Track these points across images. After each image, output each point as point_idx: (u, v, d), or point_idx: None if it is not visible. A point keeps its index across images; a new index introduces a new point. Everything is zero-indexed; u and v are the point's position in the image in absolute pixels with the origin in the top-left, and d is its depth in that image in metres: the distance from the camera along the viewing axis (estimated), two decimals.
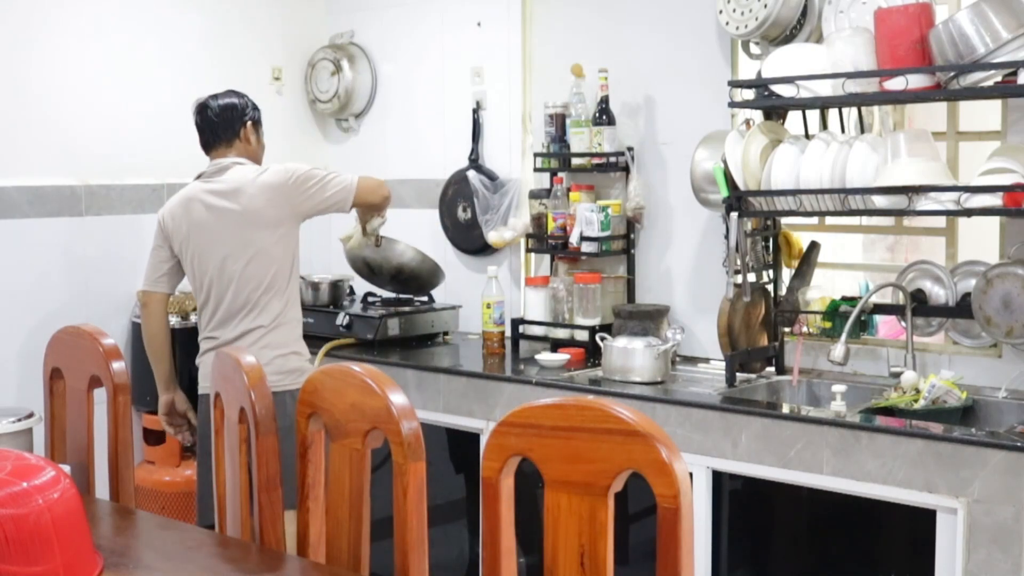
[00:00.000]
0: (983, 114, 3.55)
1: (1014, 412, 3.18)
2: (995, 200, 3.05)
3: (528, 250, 4.30)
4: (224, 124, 3.61)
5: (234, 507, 2.47)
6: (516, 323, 4.15)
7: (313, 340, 4.26)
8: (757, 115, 3.56)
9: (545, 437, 1.84)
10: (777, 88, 3.36)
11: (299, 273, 3.68)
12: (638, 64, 4.03)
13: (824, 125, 3.56)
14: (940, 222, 3.51)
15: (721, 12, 3.55)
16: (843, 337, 3.32)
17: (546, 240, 4.11)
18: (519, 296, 4.26)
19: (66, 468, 2.26)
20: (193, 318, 4.44)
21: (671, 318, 3.91)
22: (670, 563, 1.69)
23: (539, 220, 4.13)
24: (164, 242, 3.60)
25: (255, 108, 3.69)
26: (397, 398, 2.11)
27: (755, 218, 3.57)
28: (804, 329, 3.62)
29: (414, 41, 4.74)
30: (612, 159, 3.98)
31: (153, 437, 4.36)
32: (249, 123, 3.65)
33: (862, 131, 3.48)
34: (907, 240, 4.72)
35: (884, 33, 3.19)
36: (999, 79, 3.04)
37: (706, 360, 3.84)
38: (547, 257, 4.26)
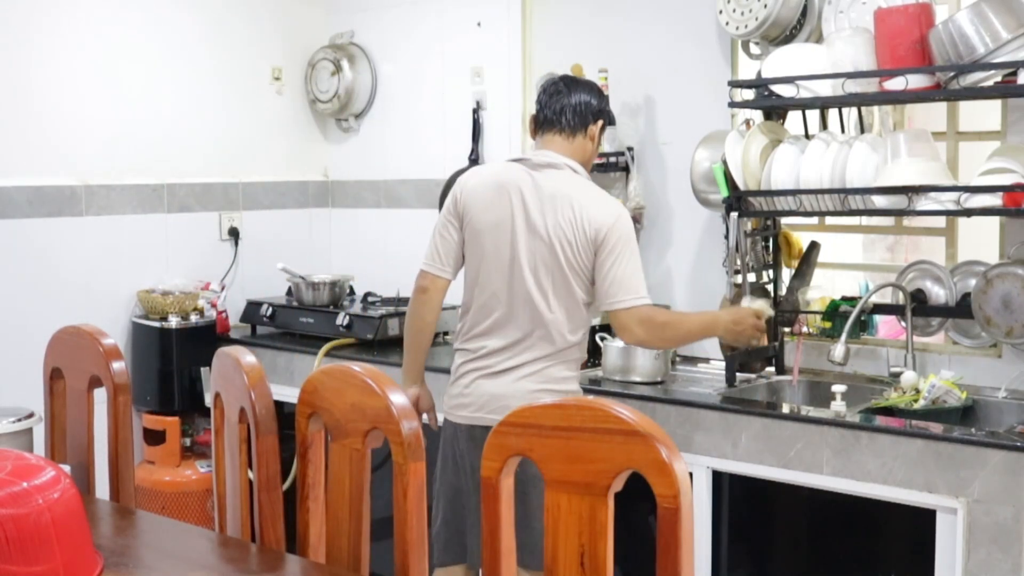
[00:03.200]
0: (983, 114, 3.55)
1: (1014, 412, 3.18)
2: (995, 200, 3.05)
3: None
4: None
5: (234, 507, 2.47)
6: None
7: (313, 340, 4.27)
8: (757, 115, 3.56)
9: (545, 437, 1.84)
10: (777, 88, 3.36)
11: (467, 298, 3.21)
12: (638, 64, 4.03)
13: (824, 125, 3.56)
14: (940, 222, 3.51)
15: (721, 12, 3.55)
16: (843, 337, 3.32)
17: None
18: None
19: (66, 468, 2.26)
20: (193, 318, 4.45)
21: None
22: (670, 563, 1.69)
23: None
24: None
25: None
26: (397, 398, 2.11)
27: (755, 218, 3.57)
28: (804, 329, 3.62)
29: (414, 41, 4.74)
30: (612, 159, 3.97)
31: (153, 437, 4.36)
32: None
33: (862, 131, 3.48)
34: (907, 240, 4.72)
35: (884, 33, 3.19)
36: (999, 79, 3.04)
37: (706, 360, 3.84)
38: None
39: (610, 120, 3.26)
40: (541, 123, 3.17)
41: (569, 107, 3.13)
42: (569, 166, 3.10)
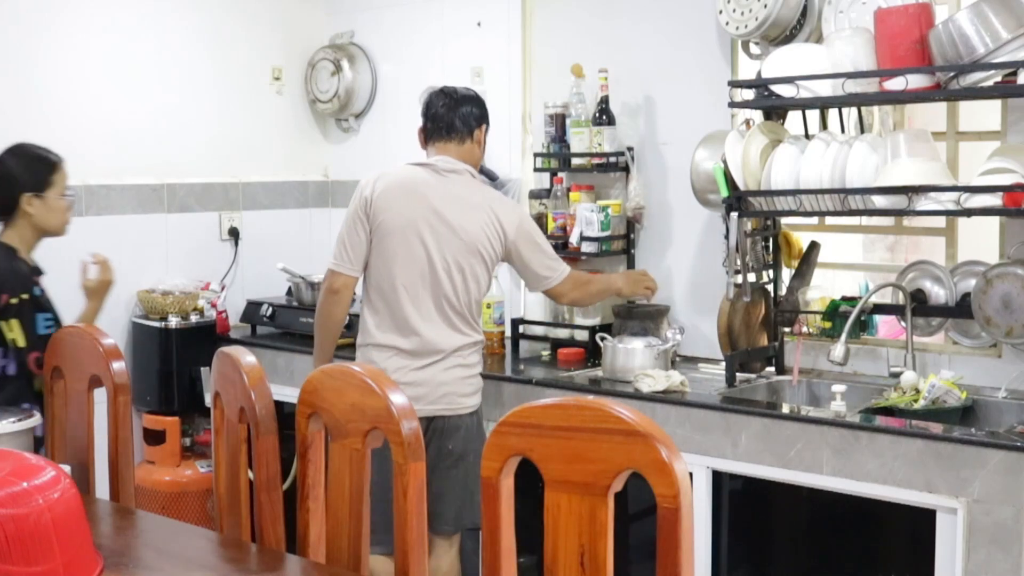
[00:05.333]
0: (983, 114, 3.55)
1: (1014, 412, 3.18)
2: (995, 200, 3.05)
3: None
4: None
5: (234, 507, 2.47)
6: (516, 323, 4.16)
7: (313, 340, 4.26)
8: (757, 115, 3.56)
9: (545, 437, 1.84)
10: (777, 88, 3.36)
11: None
12: (638, 64, 4.03)
13: (824, 125, 3.56)
14: (940, 222, 3.51)
15: (721, 12, 3.55)
16: (843, 337, 3.32)
17: None
18: (519, 296, 4.26)
19: (66, 468, 2.26)
20: (193, 318, 4.45)
21: (671, 318, 3.91)
22: (670, 563, 1.69)
23: (539, 220, 4.13)
24: None
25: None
26: (397, 398, 2.11)
27: (755, 218, 3.57)
28: (804, 329, 3.62)
29: (414, 41, 4.74)
30: (612, 159, 3.98)
31: (153, 437, 4.36)
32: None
33: (862, 131, 3.48)
34: (907, 240, 4.72)
35: (884, 33, 3.19)
36: (999, 79, 3.04)
37: (706, 360, 3.84)
38: None
39: (489, 125, 3.55)
40: (432, 133, 3.47)
41: (458, 116, 3.43)
42: (468, 171, 3.43)
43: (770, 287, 3.72)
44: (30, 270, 3.32)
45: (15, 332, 3.21)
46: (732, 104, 3.56)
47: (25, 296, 3.23)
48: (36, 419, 2.99)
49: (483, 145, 3.51)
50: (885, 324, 3.81)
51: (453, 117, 3.43)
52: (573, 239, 3.98)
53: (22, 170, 3.32)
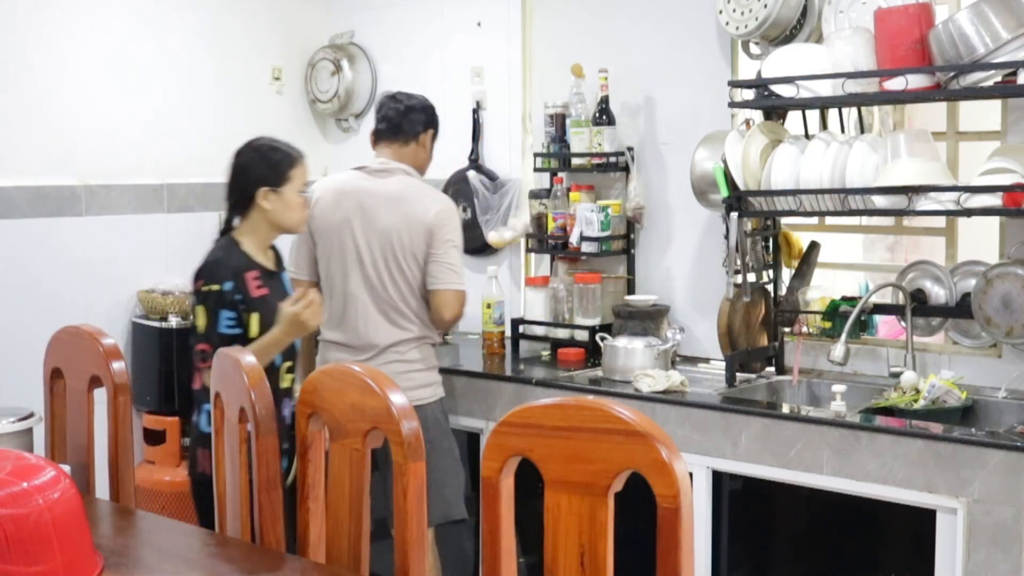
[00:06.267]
0: (983, 114, 3.55)
1: (1014, 412, 3.18)
2: (995, 200, 3.05)
3: (528, 250, 4.30)
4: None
5: (234, 507, 2.47)
6: (516, 323, 4.16)
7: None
8: (757, 115, 3.56)
9: (545, 437, 1.84)
10: (777, 88, 3.36)
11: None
12: (638, 64, 4.03)
13: (824, 125, 3.56)
14: (940, 222, 3.51)
15: (721, 12, 3.55)
16: (843, 337, 3.32)
17: (546, 240, 4.11)
18: (519, 296, 4.26)
19: (66, 468, 2.26)
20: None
21: (671, 318, 3.91)
22: (670, 563, 1.69)
23: (539, 220, 4.13)
24: None
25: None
26: (397, 398, 2.11)
27: (755, 218, 3.57)
28: (804, 329, 3.62)
29: (414, 41, 4.74)
30: (612, 159, 3.98)
31: (153, 437, 4.36)
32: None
33: (862, 131, 3.48)
34: (907, 240, 4.72)
35: (884, 33, 3.19)
36: (999, 79, 3.04)
37: (706, 360, 3.84)
38: (547, 257, 4.26)
39: (438, 129, 3.63)
40: (380, 135, 3.58)
41: (405, 120, 3.54)
42: (402, 170, 3.52)
43: (770, 287, 3.72)
44: (244, 265, 3.17)
45: (199, 320, 3.12)
46: (732, 104, 3.56)
47: (215, 287, 3.10)
48: (36, 419, 2.97)
49: (428, 148, 3.61)
50: (885, 324, 3.81)
51: (400, 120, 3.54)
52: (573, 239, 3.98)
53: (260, 163, 3.19)
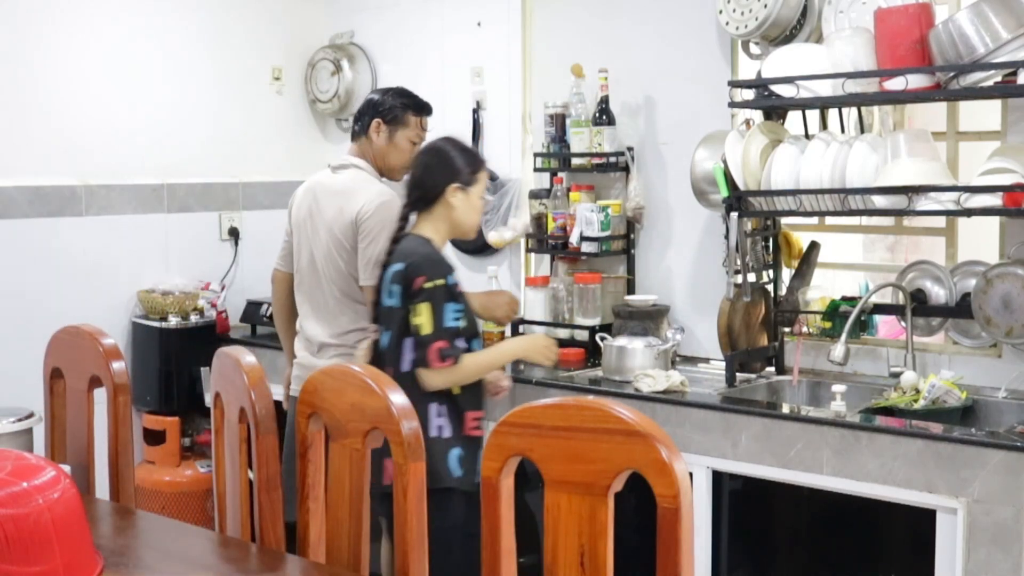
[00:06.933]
0: (983, 114, 3.55)
1: (1014, 412, 3.18)
2: (995, 200, 3.05)
3: (528, 250, 4.30)
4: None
5: (234, 507, 2.47)
6: (516, 323, 4.15)
7: None
8: (757, 115, 3.56)
9: (545, 437, 1.84)
10: (777, 88, 3.36)
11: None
12: (638, 64, 4.03)
13: (824, 125, 3.56)
14: (940, 222, 3.51)
15: (721, 12, 3.55)
16: (843, 337, 3.32)
17: (546, 240, 4.11)
18: (519, 296, 4.26)
19: (66, 468, 2.26)
20: (193, 318, 4.45)
21: (671, 318, 3.91)
22: (670, 563, 1.69)
23: (539, 220, 4.13)
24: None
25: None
26: (397, 398, 2.11)
27: (755, 218, 3.57)
28: (804, 329, 3.62)
29: (414, 41, 4.74)
30: (612, 159, 3.98)
31: (153, 437, 4.36)
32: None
33: (862, 131, 3.48)
34: (907, 240, 4.72)
35: (884, 33, 3.19)
36: (999, 79, 3.04)
37: (706, 360, 3.84)
38: (547, 257, 4.26)
39: (388, 118, 3.56)
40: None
41: (357, 115, 3.62)
42: (355, 164, 3.56)
43: (770, 287, 3.72)
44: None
45: (422, 318, 3.01)
46: (732, 104, 3.56)
47: (440, 282, 3.03)
48: (36, 419, 2.97)
49: (374, 140, 3.55)
50: (885, 324, 3.81)
51: (355, 120, 3.63)
52: (573, 239, 3.98)
53: (456, 159, 3.16)
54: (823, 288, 3.71)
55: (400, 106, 3.56)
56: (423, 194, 3.15)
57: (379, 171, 3.58)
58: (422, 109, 3.63)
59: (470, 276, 4.52)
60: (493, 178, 4.42)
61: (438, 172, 3.14)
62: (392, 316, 3.08)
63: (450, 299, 3.03)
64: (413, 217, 3.19)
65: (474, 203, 3.16)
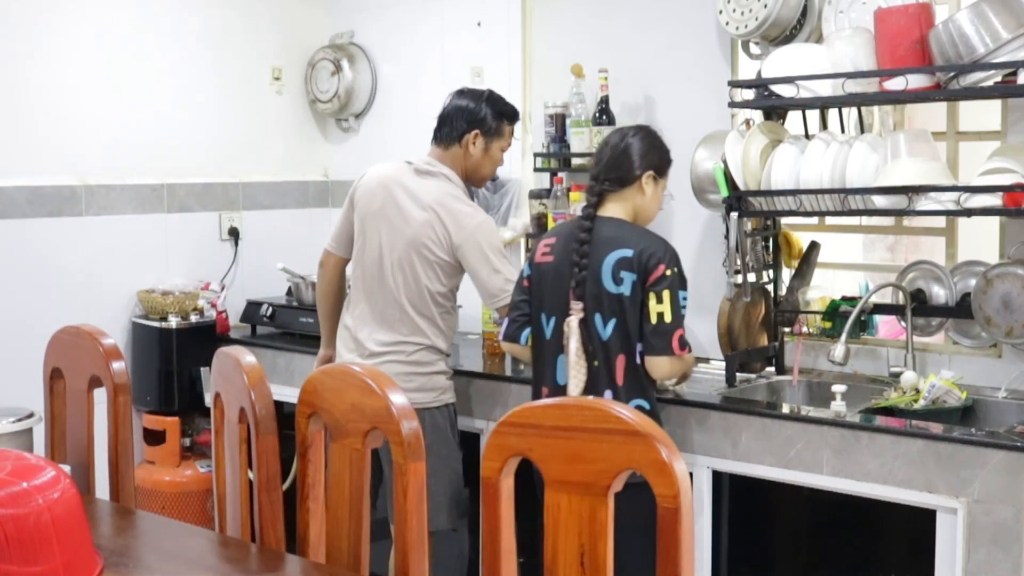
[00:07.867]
0: (983, 114, 3.55)
1: (1014, 412, 3.18)
2: (995, 200, 3.05)
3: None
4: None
5: (234, 507, 2.47)
6: None
7: (313, 340, 4.26)
8: (757, 115, 3.56)
9: (545, 437, 1.84)
10: (777, 88, 3.36)
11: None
12: (638, 64, 4.03)
13: (824, 125, 3.56)
14: (940, 222, 3.51)
15: (721, 12, 3.55)
16: (843, 337, 3.32)
17: None
18: None
19: (66, 468, 2.26)
20: (193, 318, 4.45)
21: None
22: (670, 563, 1.69)
23: (539, 220, 4.13)
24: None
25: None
26: (397, 398, 2.11)
27: (755, 218, 3.57)
28: (804, 329, 3.62)
29: (414, 41, 4.74)
30: None
31: (153, 437, 4.36)
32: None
33: (862, 131, 3.48)
34: (907, 240, 4.72)
35: (884, 33, 3.19)
36: (999, 79, 3.04)
37: (706, 360, 3.83)
38: None
39: (485, 129, 3.44)
40: (434, 132, 3.50)
41: (446, 119, 3.47)
42: (444, 174, 3.42)
43: (770, 287, 3.72)
44: None
45: (665, 305, 2.95)
46: (732, 104, 3.56)
47: (677, 269, 3.00)
48: (36, 419, 2.96)
49: (470, 151, 3.44)
50: (885, 324, 3.81)
51: (442, 121, 3.47)
52: None
53: (656, 147, 3.11)
54: (823, 288, 3.71)
55: (496, 115, 3.46)
56: (619, 176, 3.08)
57: (465, 179, 3.48)
58: (515, 118, 3.54)
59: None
60: (493, 178, 4.41)
61: (640, 156, 3.08)
62: (620, 304, 2.98)
63: (683, 287, 3.02)
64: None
65: (660, 194, 3.14)
